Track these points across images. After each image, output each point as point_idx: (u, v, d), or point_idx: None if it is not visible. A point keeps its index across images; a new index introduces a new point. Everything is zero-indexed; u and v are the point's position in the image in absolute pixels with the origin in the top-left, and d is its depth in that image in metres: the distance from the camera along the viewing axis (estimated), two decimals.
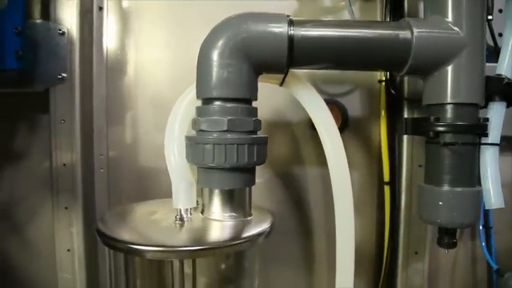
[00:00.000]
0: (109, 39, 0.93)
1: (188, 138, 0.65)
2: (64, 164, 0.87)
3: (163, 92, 0.92)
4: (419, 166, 0.85)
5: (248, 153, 0.62)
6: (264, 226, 0.63)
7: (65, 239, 0.89)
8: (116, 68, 0.93)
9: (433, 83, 0.67)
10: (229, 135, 0.62)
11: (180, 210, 0.64)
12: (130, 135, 0.94)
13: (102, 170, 0.93)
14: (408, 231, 0.86)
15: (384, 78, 0.87)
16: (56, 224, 0.89)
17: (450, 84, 0.65)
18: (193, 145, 0.63)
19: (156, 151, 0.93)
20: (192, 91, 0.70)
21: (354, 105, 0.92)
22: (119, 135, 0.94)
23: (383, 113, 0.88)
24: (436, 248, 0.90)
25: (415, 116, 0.85)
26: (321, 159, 0.91)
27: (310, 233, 0.93)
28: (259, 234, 0.61)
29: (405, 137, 0.85)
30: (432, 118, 0.67)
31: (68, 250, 0.89)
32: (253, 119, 0.65)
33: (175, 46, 0.92)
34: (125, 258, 0.64)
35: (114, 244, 0.59)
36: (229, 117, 0.62)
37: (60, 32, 0.86)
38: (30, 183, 0.94)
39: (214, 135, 0.62)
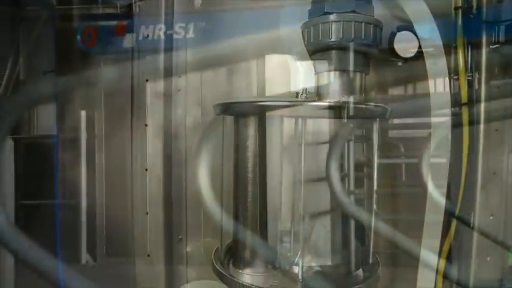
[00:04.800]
0: None
1: (312, 21, 0.66)
2: (147, 80, 0.86)
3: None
4: (498, 88, 0.88)
5: (373, 33, 0.64)
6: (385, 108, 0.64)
7: (143, 157, 0.86)
8: None
9: None
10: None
11: (305, 89, 0.65)
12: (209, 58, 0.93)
13: (179, 91, 0.92)
14: (488, 150, 0.88)
15: (460, 5, 0.91)
16: (134, 142, 0.87)
17: None
18: (319, 25, 0.64)
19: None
20: None
21: None
22: (196, 58, 0.93)
23: (460, 37, 0.91)
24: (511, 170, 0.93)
25: (494, 38, 0.87)
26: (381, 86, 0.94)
27: None
28: (385, 109, 0.62)
29: (483, 58, 0.89)
30: None
31: (146, 170, 0.86)
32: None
33: None
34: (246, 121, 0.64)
35: (240, 107, 0.59)
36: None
37: None
38: (108, 105, 0.92)
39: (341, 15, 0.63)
